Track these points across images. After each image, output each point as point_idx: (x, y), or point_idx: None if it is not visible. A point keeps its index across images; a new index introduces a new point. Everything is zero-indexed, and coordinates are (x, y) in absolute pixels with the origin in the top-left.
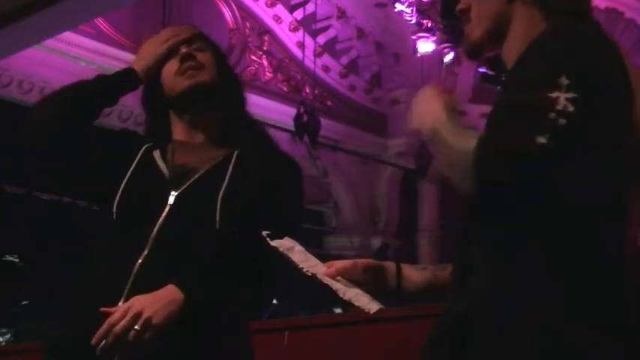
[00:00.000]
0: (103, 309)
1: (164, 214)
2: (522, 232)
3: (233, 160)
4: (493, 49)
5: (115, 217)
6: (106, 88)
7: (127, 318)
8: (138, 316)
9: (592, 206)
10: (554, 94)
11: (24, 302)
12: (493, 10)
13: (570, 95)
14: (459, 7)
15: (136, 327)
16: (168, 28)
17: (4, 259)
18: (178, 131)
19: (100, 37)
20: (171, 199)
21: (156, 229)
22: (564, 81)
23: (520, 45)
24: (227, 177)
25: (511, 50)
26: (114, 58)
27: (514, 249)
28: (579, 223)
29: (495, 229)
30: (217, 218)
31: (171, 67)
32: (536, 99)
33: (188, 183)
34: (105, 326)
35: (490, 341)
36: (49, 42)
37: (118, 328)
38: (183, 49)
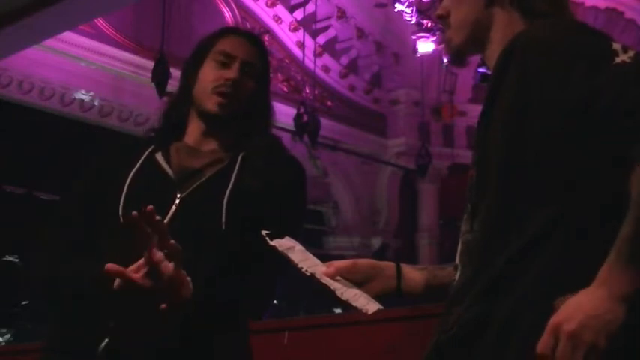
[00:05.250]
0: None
1: (169, 215)
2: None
3: (238, 163)
4: (475, 54)
5: (122, 219)
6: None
7: None
8: None
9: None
10: (619, 59)
11: (24, 302)
12: (472, 16)
13: (629, 53)
14: (438, 12)
15: None
16: None
17: (4, 259)
18: (192, 132)
19: (100, 37)
20: (176, 201)
21: None
22: (616, 45)
23: (501, 49)
24: (232, 179)
25: (493, 55)
26: (114, 58)
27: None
28: None
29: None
30: (223, 220)
31: (214, 74)
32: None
33: (194, 186)
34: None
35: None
36: (49, 42)
37: None
38: (233, 74)
